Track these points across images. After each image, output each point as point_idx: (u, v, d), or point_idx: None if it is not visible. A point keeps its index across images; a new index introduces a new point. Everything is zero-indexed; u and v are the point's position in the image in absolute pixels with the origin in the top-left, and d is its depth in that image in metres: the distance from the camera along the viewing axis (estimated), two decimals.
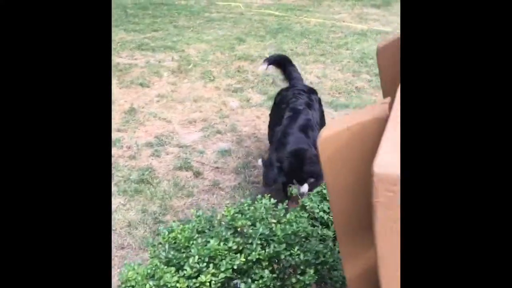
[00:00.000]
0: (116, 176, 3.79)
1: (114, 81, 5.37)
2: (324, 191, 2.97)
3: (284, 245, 1.86)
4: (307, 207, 2.92)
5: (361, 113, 0.98)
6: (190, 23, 7.61)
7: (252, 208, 2.05)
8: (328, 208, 2.91)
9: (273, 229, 1.96)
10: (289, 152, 3.16)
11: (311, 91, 3.86)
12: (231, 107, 4.90)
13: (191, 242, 1.87)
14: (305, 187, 3.16)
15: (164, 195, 3.59)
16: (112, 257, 3.02)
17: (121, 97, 5.07)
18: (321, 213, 2.87)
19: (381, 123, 0.87)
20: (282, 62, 4.16)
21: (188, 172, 3.87)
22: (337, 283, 1.97)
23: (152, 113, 4.74)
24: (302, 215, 2.92)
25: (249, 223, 1.97)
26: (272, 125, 3.75)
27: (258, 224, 1.95)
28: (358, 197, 0.95)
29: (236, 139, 4.34)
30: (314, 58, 6.11)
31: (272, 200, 2.19)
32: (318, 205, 2.91)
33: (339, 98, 5.07)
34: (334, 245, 2.22)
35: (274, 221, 2.04)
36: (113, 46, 6.30)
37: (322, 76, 5.58)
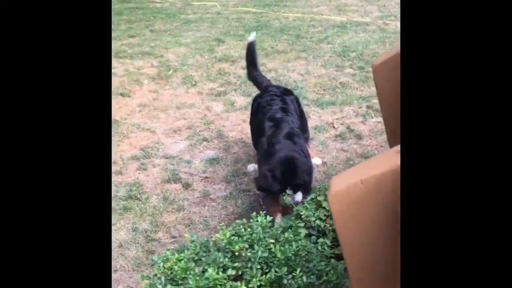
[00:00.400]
0: None
1: None
2: (319, 198, 2.90)
3: (285, 268, 1.79)
4: (302, 216, 2.85)
5: (375, 163, 0.90)
6: (167, 26, 7.47)
7: (248, 229, 1.97)
8: (324, 215, 2.84)
9: (272, 250, 1.89)
10: (281, 159, 3.08)
11: (285, 93, 3.77)
12: (216, 112, 4.80)
13: (188, 272, 1.78)
14: (299, 195, 3.08)
15: (154, 211, 3.49)
16: None
17: None
18: (318, 221, 2.80)
19: (397, 175, 0.80)
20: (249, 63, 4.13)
21: (177, 184, 3.78)
22: None
23: (135, 124, 4.62)
24: (298, 225, 2.85)
25: (246, 245, 1.90)
26: (255, 134, 3.66)
27: (256, 246, 1.87)
28: (376, 250, 0.88)
29: (223, 145, 4.25)
30: (296, 54, 6.03)
31: (268, 218, 2.11)
32: (314, 213, 2.84)
33: (324, 95, 5.01)
34: (336, 258, 2.15)
35: (272, 241, 1.96)
36: None
37: (305, 73, 5.51)
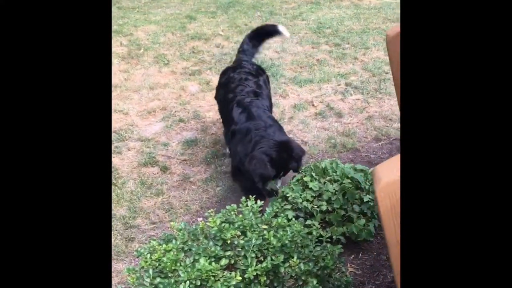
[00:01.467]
0: None
1: None
2: (305, 179, 2.82)
3: (282, 256, 1.69)
4: (289, 198, 2.77)
5: None
6: (135, 3, 7.18)
7: (240, 216, 1.86)
8: (312, 196, 2.77)
9: (266, 236, 1.79)
10: (275, 144, 2.93)
11: (259, 73, 3.58)
12: (191, 92, 4.64)
13: (178, 264, 1.67)
14: (280, 182, 3.01)
15: (132, 196, 3.35)
16: None
17: None
18: (305, 203, 2.73)
19: None
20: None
21: (154, 168, 3.64)
22: (340, 287, 1.84)
23: None
24: (285, 207, 2.76)
25: (238, 233, 1.79)
26: (224, 115, 3.43)
27: (249, 233, 1.77)
28: None
29: (200, 126, 4.11)
30: None
31: (259, 202, 2.01)
32: (301, 195, 2.77)
33: (301, 73, 4.90)
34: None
35: (265, 227, 1.86)
36: None
37: (281, 50, 5.38)
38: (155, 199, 3.33)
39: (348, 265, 2.66)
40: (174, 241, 1.81)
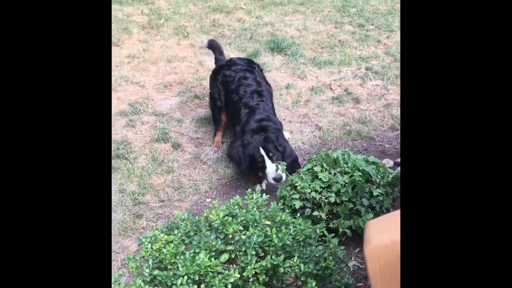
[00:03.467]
0: None
1: None
2: (315, 169, 2.79)
3: (282, 257, 1.68)
4: (297, 187, 2.75)
5: None
6: None
7: (243, 211, 1.84)
8: (320, 187, 2.75)
9: (268, 233, 1.78)
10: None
11: (252, 66, 3.75)
12: (209, 67, 4.59)
13: (177, 257, 1.67)
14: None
15: (143, 172, 3.36)
16: None
17: None
18: (313, 194, 2.71)
19: None
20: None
21: (167, 144, 3.64)
22: None
23: (124, 77, 4.41)
24: (293, 196, 2.75)
25: (241, 227, 1.78)
26: (232, 116, 3.55)
27: (251, 229, 1.76)
28: None
29: None
30: (294, 8, 5.75)
31: (264, 196, 2.00)
32: (309, 185, 2.74)
33: (322, 53, 4.80)
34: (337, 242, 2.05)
35: (268, 222, 1.85)
36: None
37: (302, 29, 5.26)
38: (165, 176, 3.34)
39: (352, 258, 2.65)
40: (176, 230, 1.81)
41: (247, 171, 3.22)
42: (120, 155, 3.48)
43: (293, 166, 3.22)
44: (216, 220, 1.80)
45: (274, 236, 1.75)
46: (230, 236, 1.76)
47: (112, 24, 5.32)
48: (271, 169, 3.06)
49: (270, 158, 3.09)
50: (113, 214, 3.03)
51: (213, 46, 4.10)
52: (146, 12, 5.64)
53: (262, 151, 3.09)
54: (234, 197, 1.98)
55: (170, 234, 1.78)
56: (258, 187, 3.25)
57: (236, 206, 1.89)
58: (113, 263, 2.70)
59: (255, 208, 1.88)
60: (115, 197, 3.15)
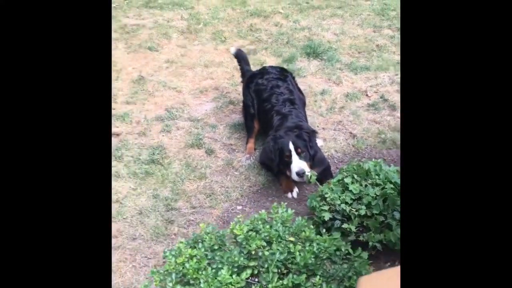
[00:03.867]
0: (126, 156, 3.62)
1: (121, 45, 5.10)
2: (346, 180, 2.77)
3: (304, 276, 1.68)
4: (327, 199, 2.73)
5: None
6: None
7: (267, 227, 1.86)
8: (351, 199, 2.72)
9: (292, 250, 1.78)
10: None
11: (285, 75, 3.78)
12: None
13: (199, 272, 1.70)
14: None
15: (176, 177, 3.42)
16: (124, 249, 2.91)
17: (129, 64, 4.81)
18: (343, 205, 2.68)
19: None
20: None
21: (200, 150, 3.69)
22: None
23: (161, 82, 4.49)
24: (322, 207, 2.73)
25: (264, 243, 1.79)
26: (264, 124, 3.60)
27: (274, 245, 1.77)
28: None
29: None
30: (332, 11, 5.71)
31: (290, 211, 2.00)
32: (339, 196, 2.72)
33: (359, 59, 4.74)
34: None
35: (292, 239, 1.85)
36: (119, 4, 5.97)
37: (340, 33, 5.22)
38: (198, 182, 3.39)
39: None
40: (200, 244, 1.84)
41: (277, 168, 3.22)
42: (155, 161, 3.56)
43: (324, 174, 3.20)
44: (240, 235, 1.82)
45: (297, 253, 1.75)
46: (253, 252, 1.78)
47: (153, 29, 5.44)
48: (296, 163, 3.06)
49: (298, 154, 3.10)
50: (146, 219, 3.10)
51: (239, 56, 4.13)
52: (185, 17, 5.72)
53: (291, 146, 3.10)
54: (260, 211, 1.99)
55: (195, 248, 1.81)
56: (289, 195, 3.26)
57: (259, 222, 1.90)
58: (144, 268, 2.78)
59: (279, 224, 1.89)
60: (148, 202, 3.23)
